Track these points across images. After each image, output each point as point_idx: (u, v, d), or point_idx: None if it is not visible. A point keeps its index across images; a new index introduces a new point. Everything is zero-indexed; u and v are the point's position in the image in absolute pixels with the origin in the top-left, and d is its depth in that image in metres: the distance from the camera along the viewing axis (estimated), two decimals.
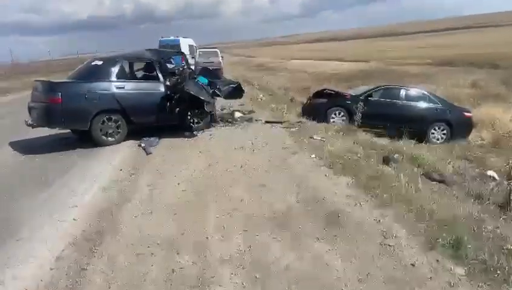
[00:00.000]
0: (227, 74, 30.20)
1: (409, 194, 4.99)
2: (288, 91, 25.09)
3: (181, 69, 9.44)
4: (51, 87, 8.15)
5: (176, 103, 8.85)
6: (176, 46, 29.26)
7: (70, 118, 8.12)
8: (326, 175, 5.78)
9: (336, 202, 4.80)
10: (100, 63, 8.77)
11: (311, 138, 8.23)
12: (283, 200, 4.91)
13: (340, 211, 4.56)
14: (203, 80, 9.48)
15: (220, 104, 12.06)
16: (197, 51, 27.65)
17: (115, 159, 7.50)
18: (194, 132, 9.25)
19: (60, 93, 7.97)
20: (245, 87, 21.34)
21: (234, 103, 13.60)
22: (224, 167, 6.46)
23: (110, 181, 6.20)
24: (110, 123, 8.46)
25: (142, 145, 8.38)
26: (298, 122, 10.06)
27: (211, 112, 9.42)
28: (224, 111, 12.14)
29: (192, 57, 26.63)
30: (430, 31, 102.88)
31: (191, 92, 8.52)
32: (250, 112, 11.96)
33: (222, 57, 29.40)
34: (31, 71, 37.70)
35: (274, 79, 34.00)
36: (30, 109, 8.44)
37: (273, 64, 53.92)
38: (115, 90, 8.43)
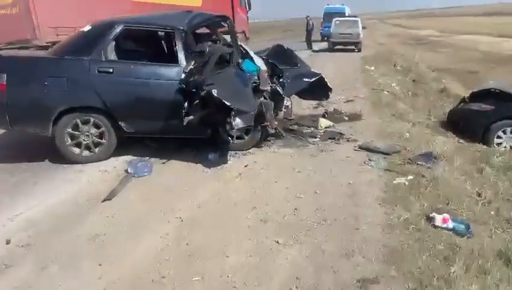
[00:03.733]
0: (373, 48, 25.01)
1: None
2: (443, 76, 19.02)
3: (211, 46, 5.58)
4: None
5: (197, 105, 5.13)
6: (342, 14, 26.97)
7: (19, 117, 5.07)
8: None
9: None
10: (87, 29, 5.44)
11: (430, 219, 3.72)
12: None
13: None
14: (249, 67, 5.50)
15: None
16: (333, 20, 23.09)
17: (41, 203, 4.22)
18: (228, 155, 5.45)
19: (4, 76, 4.92)
20: (380, 67, 16.51)
21: (338, 95, 9.32)
22: None
23: None
24: (86, 128, 5.17)
25: (129, 171, 4.96)
26: (425, 155, 5.42)
27: (260, 124, 5.43)
28: (316, 111, 7.98)
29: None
30: None
31: (212, 93, 4.68)
32: (352, 117, 7.55)
33: (364, 27, 24.27)
34: None
35: (432, 57, 27.40)
36: None
37: (436, 38, 45.44)
38: (96, 75, 5.05)
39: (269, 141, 6.05)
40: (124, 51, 5.50)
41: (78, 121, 5.12)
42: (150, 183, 4.68)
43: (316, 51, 23.11)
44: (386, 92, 10.48)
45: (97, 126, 5.21)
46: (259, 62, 6.15)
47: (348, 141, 6.11)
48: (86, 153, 5.25)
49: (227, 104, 4.69)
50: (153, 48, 6.21)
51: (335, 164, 5.20)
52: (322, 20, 30.25)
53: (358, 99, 9.28)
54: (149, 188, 4.54)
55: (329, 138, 6.18)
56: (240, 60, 5.43)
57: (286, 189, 4.42)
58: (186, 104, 5.13)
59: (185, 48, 5.30)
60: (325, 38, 27.58)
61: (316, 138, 6.24)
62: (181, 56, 5.24)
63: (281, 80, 5.83)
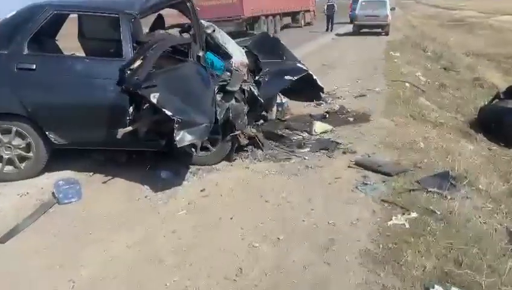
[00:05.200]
0: (404, 31, 22.98)
1: None
2: (479, 62, 17.12)
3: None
4: None
5: (147, 111, 4.05)
6: None
7: None
8: None
9: None
10: (11, 15, 4.38)
11: None
12: None
13: None
14: (214, 63, 4.31)
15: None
16: (359, 1, 21.27)
17: None
18: (186, 173, 4.35)
19: None
20: (408, 53, 14.80)
21: (350, 88, 8.04)
22: None
23: None
24: (7, 139, 4.16)
25: (56, 194, 3.93)
26: (439, 176, 4.14)
27: (229, 134, 4.33)
28: (318, 109, 6.75)
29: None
30: None
31: (150, 98, 3.58)
32: (359, 117, 6.26)
33: (393, 8, 22.35)
34: None
35: (469, 40, 25.21)
36: None
37: (476, 19, 42.41)
38: (15, 73, 4.02)
39: (246, 151, 4.88)
40: (53, 42, 4.43)
41: None
42: (70, 216, 3.63)
43: (340, 35, 21.48)
44: (407, 84, 9.04)
45: (22, 136, 4.18)
46: (239, 55, 4.98)
47: (345, 152, 4.87)
48: (8, 169, 4.26)
49: (169, 113, 3.55)
50: (91, 39, 5.10)
51: (318, 188, 4.00)
52: (351, 1, 28.41)
53: (372, 94, 7.92)
54: (64, 223, 3.49)
55: (322, 149, 4.96)
56: (201, 53, 4.23)
57: (240, 231, 3.27)
58: (131, 109, 4.04)
59: (133, 38, 4.16)
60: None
61: (305, 148, 5.03)
62: (127, 48, 4.11)
63: (257, 77, 4.62)
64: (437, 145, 5.27)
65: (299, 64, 4.82)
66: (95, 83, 4.06)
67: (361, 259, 2.87)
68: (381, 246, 3.01)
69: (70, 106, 4.06)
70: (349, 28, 23.23)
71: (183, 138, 3.62)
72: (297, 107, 6.68)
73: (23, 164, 4.27)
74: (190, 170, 4.43)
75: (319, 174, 4.34)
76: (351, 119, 6.25)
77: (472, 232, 3.29)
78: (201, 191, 3.99)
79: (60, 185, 3.93)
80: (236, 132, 4.43)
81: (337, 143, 5.09)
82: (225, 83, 4.44)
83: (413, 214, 3.44)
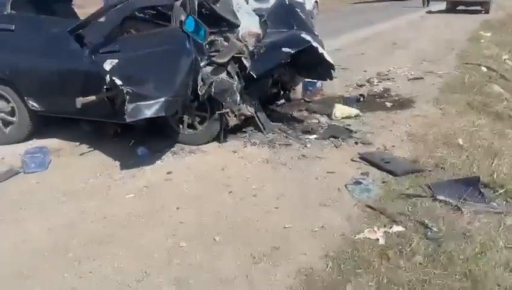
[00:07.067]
0: (506, 9, 19.99)
1: None
2: None
3: None
4: None
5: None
6: None
7: None
8: None
9: None
10: None
11: None
12: None
13: None
14: (193, 28, 3.71)
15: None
16: None
17: None
18: (165, 152, 3.93)
19: None
20: (502, 34, 12.69)
21: (410, 69, 7.01)
22: None
23: None
24: None
25: (25, 160, 3.75)
26: (464, 182, 3.25)
27: (217, 112, 3.83)
28: (357, 90, 5.95)
29: None
30: None
31: (103, 66, 3.21)
32: (399, 103, 5.36)
33: None
34: None
35: None
36: None
37: None
38: None
39: (244, 132, 4.33)
40: (65, 6, 4.23)
41: None
42: (20, 187, 3.42)
43: (432, 12, 19.39)
44: (483, 68, 7.67)
45: (6, 100, 4.07)
46: (249, 23, 4.41)
47: (357, 143, 4.10)
48: None
49: (118, 82, 3.12)
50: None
51: (300, 183, 3.34)
52: None
53: (432, 77, 6.81)
54: (3, 196, 3.26)
55: (331, 136, 4.22)
56: (183, 18, 3.69)
57: (176, 225, 2.78)
58: (108, 77, 3.68)
59: None
60: None
61: (313, 134, 4.32)
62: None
63: (251, 48, 3.99)
64: (483, 142, 4.22)
65: (302, 35, 4.05)
66: (70, 46, 3.76)
67: (294, 281, 2.22)
68: (329, 266, 2.32)
69: (44, 70, 3.83)
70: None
71: (135, 111, 3.20)
72: (334, 87, 5.93)
73: (8, 129, 4.16)
74: (172, 149, 4.01)
75: (313, 166, 3.66)
76: (389, 104, 5.36)
77: (476, 268, 2.41)
78: (168, 173, 3.55)
79: (26, 154, 3.73)
80: (224, 110, 3.89)
81: (351, 131, 4.31)
82: (215, 53, 3.90)
83: (398, 228, 2.66)
